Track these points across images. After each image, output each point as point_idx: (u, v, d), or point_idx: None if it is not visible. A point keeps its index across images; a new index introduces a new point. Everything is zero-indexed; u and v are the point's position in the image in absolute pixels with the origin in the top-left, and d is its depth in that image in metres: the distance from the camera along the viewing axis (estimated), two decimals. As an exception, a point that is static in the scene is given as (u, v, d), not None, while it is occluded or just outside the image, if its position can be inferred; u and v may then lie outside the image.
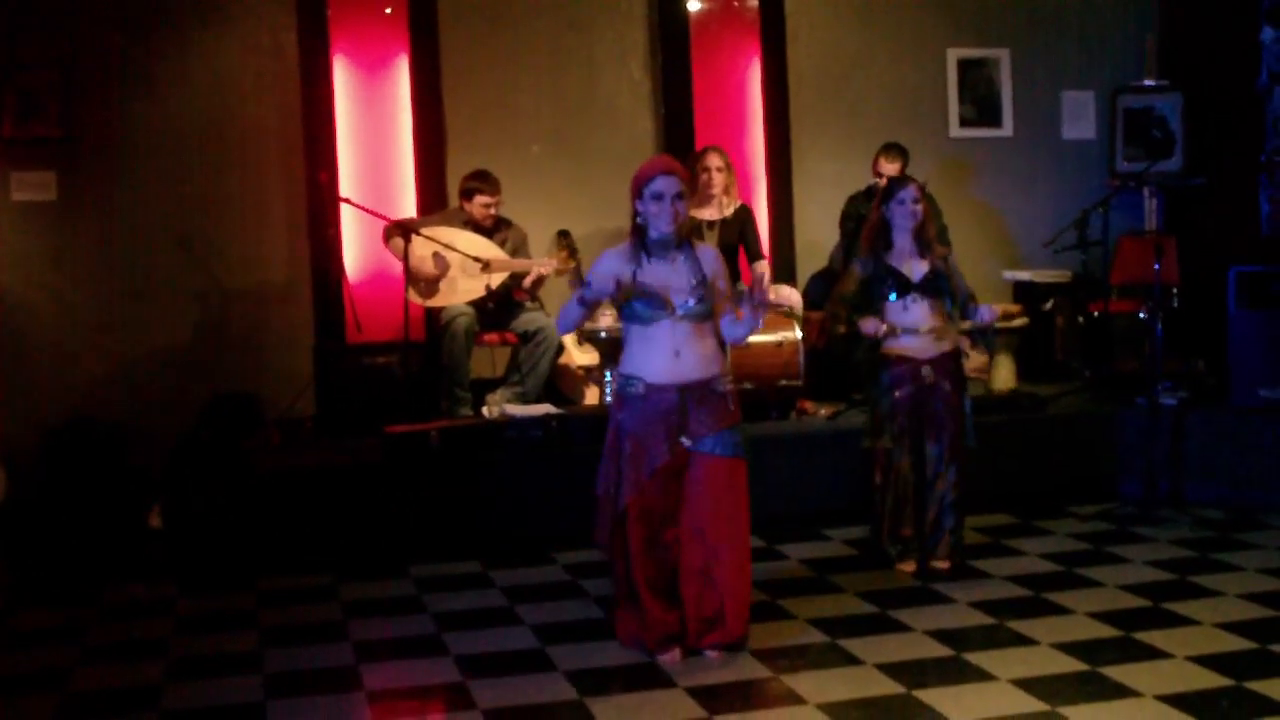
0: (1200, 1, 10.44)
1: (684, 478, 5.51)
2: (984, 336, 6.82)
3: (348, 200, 8.42)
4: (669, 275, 5.48)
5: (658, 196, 5.43)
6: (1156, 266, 7.94)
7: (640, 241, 5.52)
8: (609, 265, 5.52)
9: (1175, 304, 9.18)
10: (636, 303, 5.43)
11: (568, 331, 5.95)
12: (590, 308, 5.52)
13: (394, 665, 5.64)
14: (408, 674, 5.54)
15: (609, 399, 8.33)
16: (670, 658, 5.49)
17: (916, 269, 6.65)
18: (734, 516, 5.55)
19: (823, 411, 8.37)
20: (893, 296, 6.63)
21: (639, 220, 5.51)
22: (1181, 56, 10.51)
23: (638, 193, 5.49)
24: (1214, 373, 8.71)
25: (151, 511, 7.36)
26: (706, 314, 5.52)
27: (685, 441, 5.45)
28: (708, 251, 5.65)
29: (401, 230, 8.04)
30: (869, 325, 6.65)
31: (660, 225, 5.45)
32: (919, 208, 6.65)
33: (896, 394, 6.65)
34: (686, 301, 5.44)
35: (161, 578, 6.88)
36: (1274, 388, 8.15)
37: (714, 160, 8.44)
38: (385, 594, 6.64)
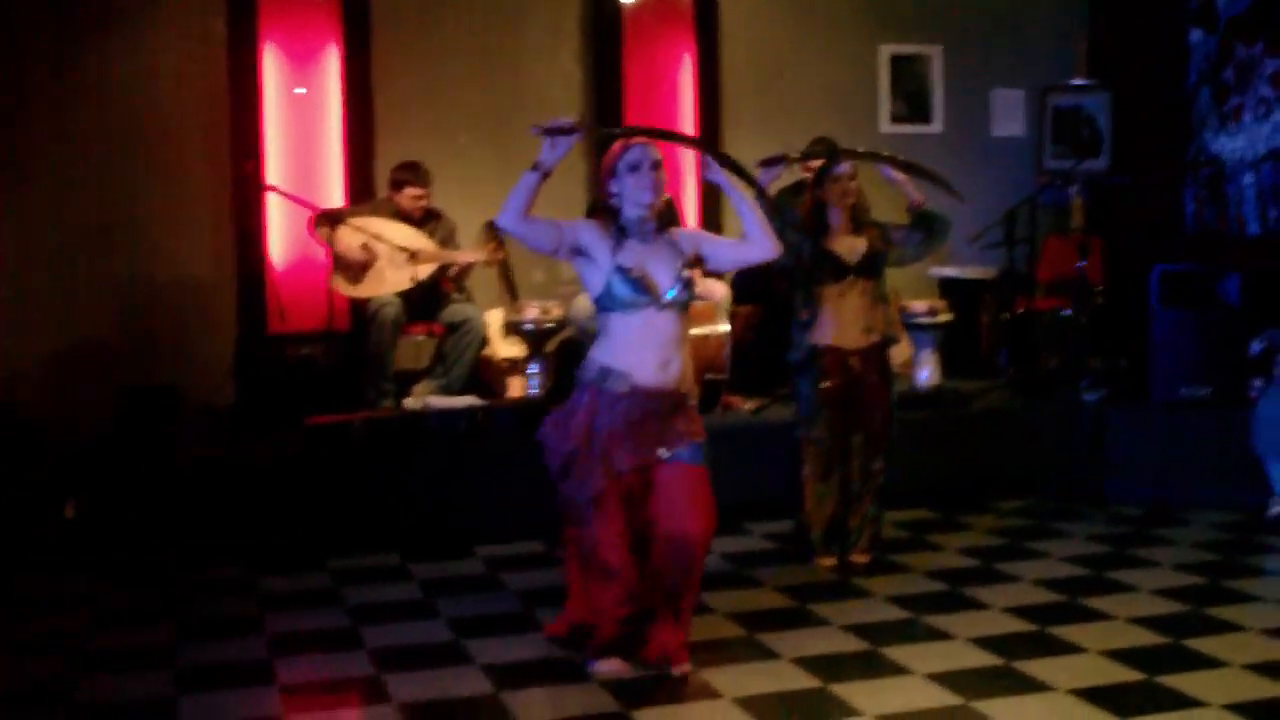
0: (1130, 2, 10.51)
1: (651, 480, 5.18)
2: (927, 218, 6.67)
3: (274, 189, 8.35)
4: (649, 258, 5.13)
5: (634, 167, 5.11)
6: (1081, 264, 8.01)
7: (615, 223, 5.17)
8: (587, 228, 5.17)
9: (1099, 301, 9.26)
10: (618, 286, 5.04)
11: (516, 211, 4.96)
12: (545, 174, 4.98)
13: (309, 659, 5.60)
14: (323, 667, 5.50)
15: (533, 390, 8.31)
16: (611, 667, 5.25)
17: (854, 249, 6.66)
18: (707, 528, 5.22)
19: (747, 405, 8.37)
20: (833, 282, 6.63)
21: (613, 203, 5.17)
22: (1111, 57, 10.59)
23: (610, 171, 5.15)
24: (1136, 370, 8.78)
25: (68, 503, 7.25)
26: (689, 303, 5.21)
27: (663, 454, 5.13)
28: (684, 233, 5.36)
29: (329, 220, 7.99)
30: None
31: (641, 197, 5.10)
32: (853, 185, 6.66)
33: (825, 384, 6.65)
34: (673, 287, 5.10)
35: (76, 570, 6.80)
36: (1195, 386, 8.23)
37: (641, 153, 8.41)
38: (302, 586, 6.59)
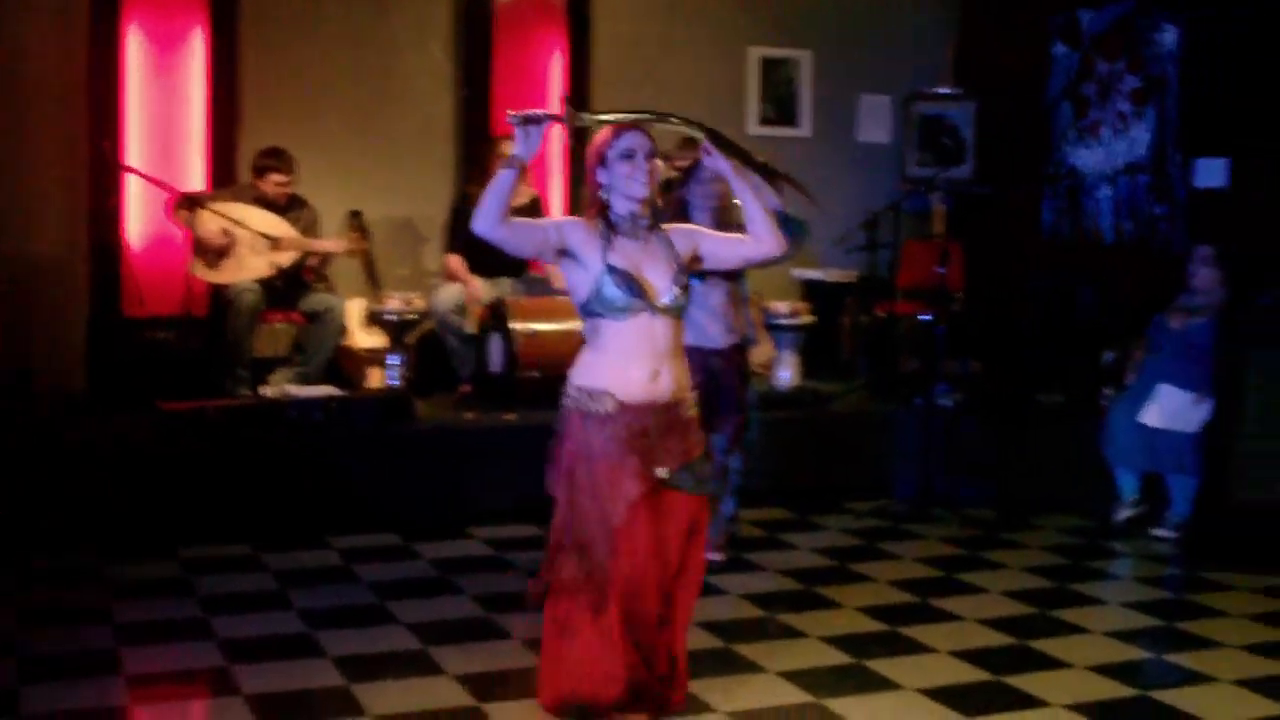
0: (997, 14, 10.69)
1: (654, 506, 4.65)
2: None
3: (131, 169, 8.19)
4: (643, 258, 4.63)
5: (628, 155, 4.56)
6: (941, 270, 8.12)
7: (604, 219, 4.65)
8: (573, 227, 4.65)
9: (958, 307, 9.40)
10: (609, 288, 4.53)
11: (496, 215, 4.46)
12: (521, 169, 4.48)
13: (157, 649, 5.50)
14: (170, 658, 5.41)
15: (392, 381, 8.24)
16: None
17: None
18: (699, 566, 4.83)
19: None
20: (695, 280, 6.62)
21: (602, 195, 4.64)
22: (977, 66, 10.75)
23: (600, 159, 4.61)
24: (991, 376, 8.92)
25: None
26: (686, 307, 4.71)
27: (661, 473, 4.58)
28: (679, 231, 4.83)
29: (189, 203, 7.86)
30: None
31: (634, 189, 4.56)
32: (719, 187, 6.63)
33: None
34: (669, 290, 4.60)
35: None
36: (1047, 392, 8.39)
37: (509, 147, 8.36)
38: (152, 575, 6.47)
